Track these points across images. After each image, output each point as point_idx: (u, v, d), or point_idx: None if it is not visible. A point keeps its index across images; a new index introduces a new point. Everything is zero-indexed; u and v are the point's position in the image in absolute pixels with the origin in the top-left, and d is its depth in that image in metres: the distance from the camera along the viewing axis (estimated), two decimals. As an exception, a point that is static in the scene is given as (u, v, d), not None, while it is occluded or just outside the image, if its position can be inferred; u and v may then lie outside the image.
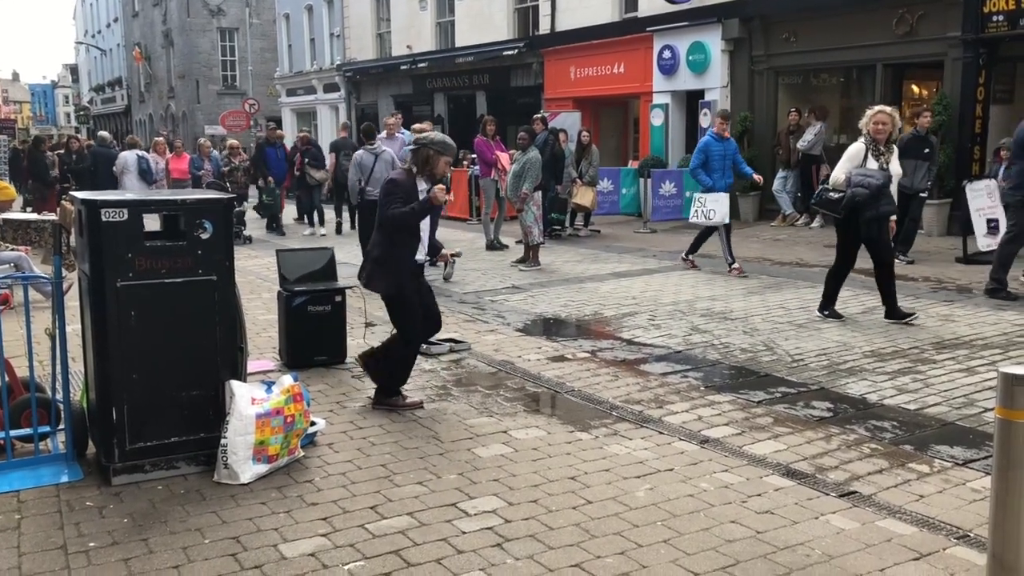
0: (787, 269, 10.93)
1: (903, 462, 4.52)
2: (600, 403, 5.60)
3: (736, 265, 10.41)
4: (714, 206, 10.31)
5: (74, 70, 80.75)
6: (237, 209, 13.98)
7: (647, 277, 10.57)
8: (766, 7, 15.84)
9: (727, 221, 10.35)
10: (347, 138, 17.12)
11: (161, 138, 18.21)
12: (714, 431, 5.02)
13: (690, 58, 17.10)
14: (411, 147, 5.62)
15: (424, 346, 6.90)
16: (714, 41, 16.63)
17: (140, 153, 15.67)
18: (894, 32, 13.94)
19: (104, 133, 19.56)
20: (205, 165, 16.36)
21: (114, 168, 15.22)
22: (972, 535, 3.67)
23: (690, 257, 11.00)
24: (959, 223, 11.80)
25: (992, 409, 3.85)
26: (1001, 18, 12.62)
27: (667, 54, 17.58)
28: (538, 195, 11.56)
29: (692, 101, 17.57)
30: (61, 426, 4.75)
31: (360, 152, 11.15)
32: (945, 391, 5.72)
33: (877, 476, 4.34)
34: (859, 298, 8.74)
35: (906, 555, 3.53)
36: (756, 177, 10.95)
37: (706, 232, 10.78)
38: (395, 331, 5.58)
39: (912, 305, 8.11)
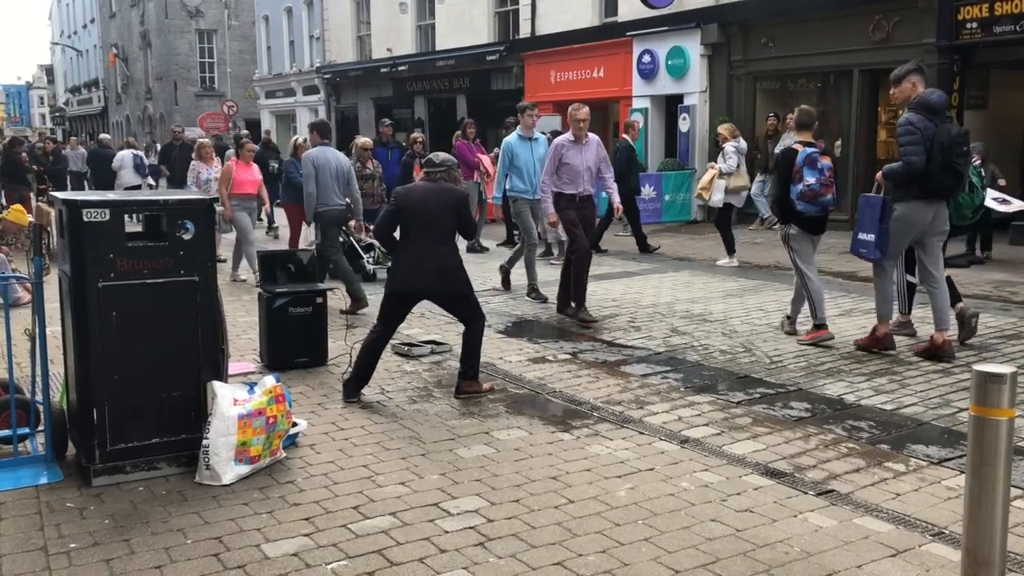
0: (765, 272, 11.03)
1: (880, 461, 4.58)
2: (581, 404, 5.63)
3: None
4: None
5: (49, 71, 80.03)
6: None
7: (627, 280, 10.62)
8: (745, 13, 15.98)
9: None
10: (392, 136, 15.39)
11: (207, 140, 13.22)
12: (694, 431, 5.07)
13: (669, 63, 17.20)
14: (440, 168, 5.88)
15: (405, 348, 6.93)
16: (693, 46, 16.75)
17: (134, 152, 17.99)
18: (871, 38, 14.10)
19: (104, 135, 23.09)
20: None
21: (113, 165, 17.44)
22: (947, 532, 3.74)
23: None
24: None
25: (966, 409, 3.92)
26: (975, 25, 12.81)
27: (647, 59, 17.68)
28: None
29: (671, 106, 17.68)
30: (41, 427, 4.73)
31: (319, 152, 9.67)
32: (921, 392, 5.80)
33: (854, 475, 4.40)
34: (835, 300, 8.84)
35: (883, 552, 3.59)
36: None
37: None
38: (469, 322, 5.81)
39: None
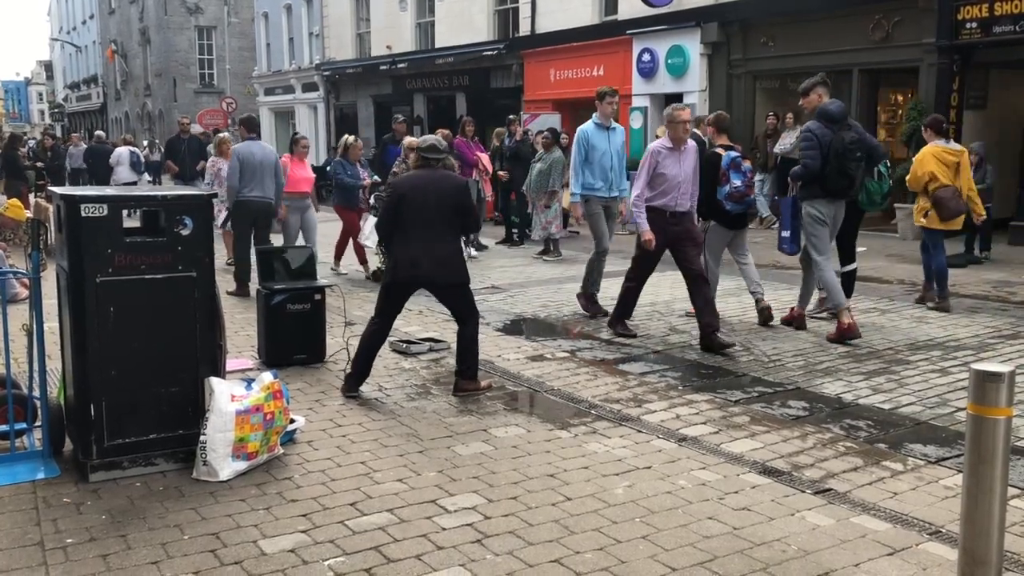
0: (764, 271, 11.00)
1: (877, 460, 4.58)
2: (579, 402, 5.63)
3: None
4: None
5: (48, 67, 79.90)
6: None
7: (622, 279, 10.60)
8: (744, 12, 15.98)
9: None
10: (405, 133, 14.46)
11: (227, 135, 12.32)
12: (692, 429, 5.06)
13: (669, 61, 17.20)
14: (437, 154, 5.79)
15: (403, 345, 6.93)
16: (693, 45, 16.75)
17: (131, 149, 18.62)
18: (870, 38, 14.11)
19: (100, 132, 23.99)
20: (362, 173, 11.07)
21: (110, 161, 17.94)
22: (944, 531, 3.74)
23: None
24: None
25: (964, 408, 3.92)
26: (974, 25, 12.82)
27: (646, 57, 17.68)
28: (564, 192, 12.31)
29: (671, 104, 17.65)
30: (38, 423, 4.71)
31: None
32: (919, 391, 5.80)
33: (852, 474, 4.40)
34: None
35: (880, 551, 3.58)
36: None
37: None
38: (464, 321, 5.77)
39: (886, 307, 8.21)
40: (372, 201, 10.69)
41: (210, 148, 13.45)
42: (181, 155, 15.19)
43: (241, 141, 9.99)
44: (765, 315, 7.80)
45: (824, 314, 7.88)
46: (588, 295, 8.42)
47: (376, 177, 11.52)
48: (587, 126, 8.31)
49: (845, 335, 7.03)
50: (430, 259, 5.57)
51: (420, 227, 5.58)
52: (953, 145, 8.72)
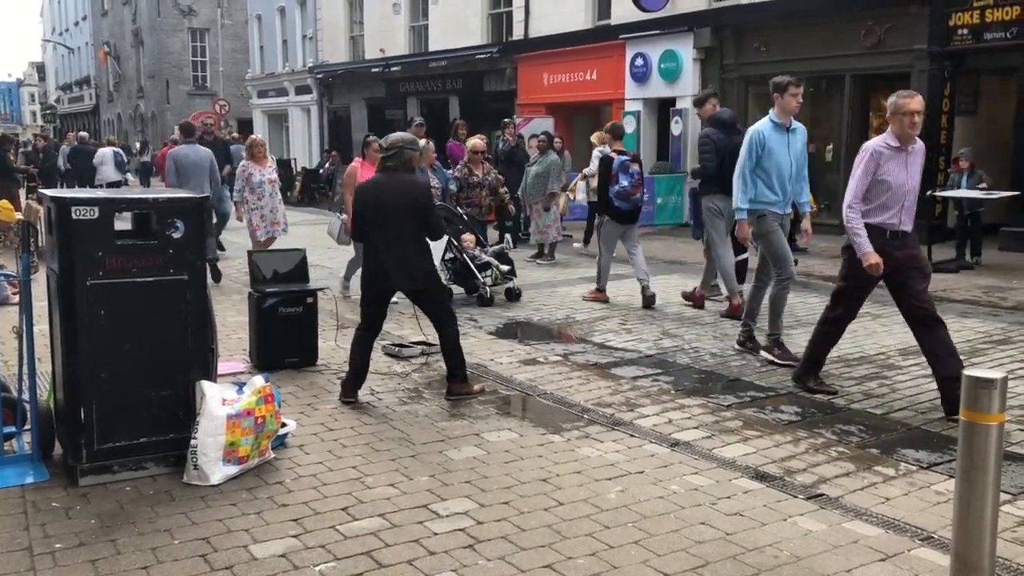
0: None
1: (869, 465, 4.59)
2: (572, 406, 5.62)
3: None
4: None
5: (41, 68, 79.62)
6: (499, 249, 9.63)
7: (618, 282, 10.60)
8: (737, 17, 16.02)
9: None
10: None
11: (260, 137, 11.76)
12: (684, 434, 5.06)
13: (662, 66, 17.23)
14: (388, 152, 5.62)
15: (396, 349, 6.91)
16: (686, 49, 16.78)
17: (115, 149, 19.12)
18: (862, 44, 14.15)
19: (83, 133, 24.59)
20: (433, 181, 9.74)
21: (94, 160, 18.38)
22: (936, 536, 3.74)
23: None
24: (925, 231, 11.99)
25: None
26: (966, 32, 12.87)
27: (639, 62, 17.70)
28: (563, 196, 12.56)
29: (664, 109, 17.70)
30: (27, 426, 4.69)
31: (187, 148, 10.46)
32: (911, 396, 5.81)
33: (844, 479, 4.40)
34: (826, 305, 8.85)
35: (872, 556, 3.58)
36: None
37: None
38: (442, 327, 5.70)
39: (878, 312, 8.23)
40: None
41: (240, 151, 13.00)
42: None
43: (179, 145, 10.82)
44: (648, 300, 8.90)
45: (720, 297, 8.87)
46: (778, 340, 6.71)
47: (453, 187, 10.14)
48: (763, 126, 6.68)
49: (735, 313, 8.03)
50: (393, 265, 5.52)
51: (382, 232, 5.52)
52: None
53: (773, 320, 6.73)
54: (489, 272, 9.25)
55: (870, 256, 5.36)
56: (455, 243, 9.06)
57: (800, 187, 6.92)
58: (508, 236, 10.86)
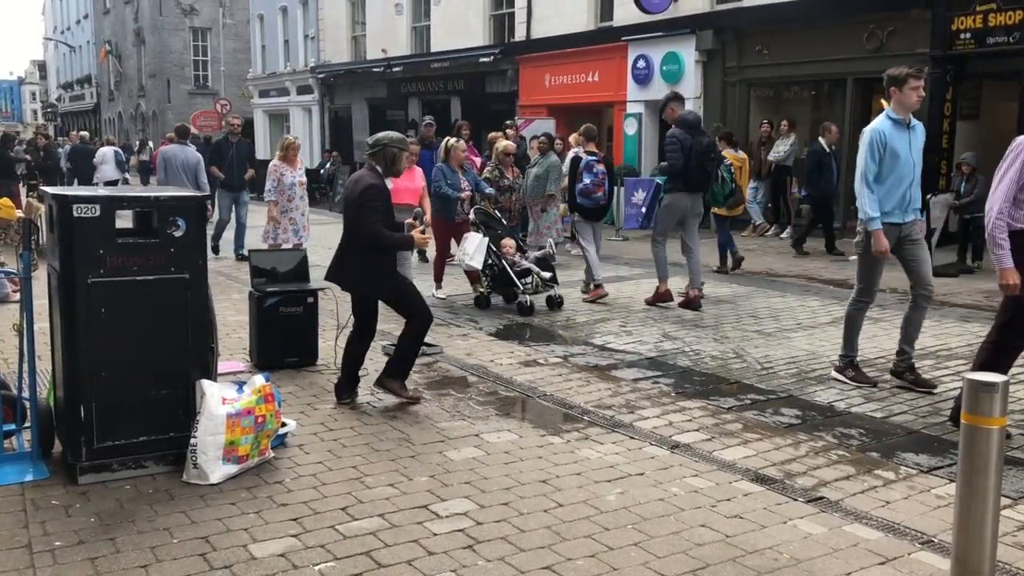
0: (758, 279, 11.04)
1: (870, 469, 4.58)
2: (572, 408, 5.62)
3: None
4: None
5: (42, 66, 79.62)
6: (542, 254, 9.21)
7: (618, 284, 10.61)
8: (740, 20, 16.01)
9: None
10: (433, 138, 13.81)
11: (294, 138, 11.30)
12: (684, 436, 5.06)
13: (664, 68, 17.23)
14: (372, 149, 5.61)
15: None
16: (688, 52, 16.77)
17: (115, 149, 19.52)
18: (864, 47, 14.14)
19: (84, 133, 25.47)
20: (463, 182, 9.57)
21: (94, 160, 18.62)
22: (936, 540, 3.74)
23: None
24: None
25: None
26: (968, 36, 12.86)
27: (641, 64, 17.70)
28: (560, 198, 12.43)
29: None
30: (27, 424, 4.68)
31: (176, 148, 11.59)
32: (911, 400, 5.81)
33: (844, 482, 4.40)
34: (827, 308, 8.86)
35: (872, 560, 3.58)
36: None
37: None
38: (408, 323, 5.60)
39: (879, 316, 8.22)
40: (472, 216, 9.27)
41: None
42: (229, 161, 12.90)
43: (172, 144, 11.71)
44: (590, 295, 9.38)
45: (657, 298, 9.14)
46: (853, 362, 6.25)
47: (489, 189, 9.89)
48: (882, 124, 5.82)
49: (661, 299, 9.00)
50: (345, 267, 5.52)
51: (344, 233, 5.58)
52: (739, 153, 12.36)
53: (848, 339, 6.21)
54: (529, 279, 8.90)
55: (1011, 275, 4.74)
56: (493, 248, 8.78)
57: (915, 192, 6.00)
58: (551, 240, 10.25)
